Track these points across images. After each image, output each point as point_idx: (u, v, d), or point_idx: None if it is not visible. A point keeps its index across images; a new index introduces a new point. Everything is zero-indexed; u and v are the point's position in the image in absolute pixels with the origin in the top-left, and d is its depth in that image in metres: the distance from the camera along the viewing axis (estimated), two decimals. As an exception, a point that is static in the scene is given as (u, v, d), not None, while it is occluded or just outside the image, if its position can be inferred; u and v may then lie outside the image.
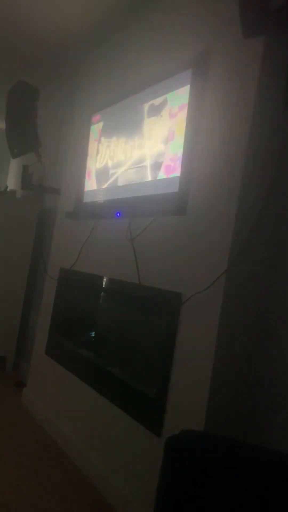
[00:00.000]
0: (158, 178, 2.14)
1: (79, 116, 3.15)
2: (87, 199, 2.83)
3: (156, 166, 2.16)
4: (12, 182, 5.01)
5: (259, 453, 1.26)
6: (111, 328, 2.53)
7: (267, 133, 1.74)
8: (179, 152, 2.00)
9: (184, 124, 1.99)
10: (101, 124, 2.77)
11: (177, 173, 2.00)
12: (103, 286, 2.52)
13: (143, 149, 2.28)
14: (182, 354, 1.81)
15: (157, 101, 2.21)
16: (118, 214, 2.40)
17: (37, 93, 3.25)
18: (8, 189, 4.11)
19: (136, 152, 2.34)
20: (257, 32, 1.53)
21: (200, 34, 2.05)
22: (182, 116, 2.02)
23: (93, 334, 2.70)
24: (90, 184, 2.79)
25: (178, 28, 2.23)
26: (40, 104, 3.26)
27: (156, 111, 2.22)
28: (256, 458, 1.23)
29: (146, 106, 2.30)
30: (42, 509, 1.94)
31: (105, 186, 2.61)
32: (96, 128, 2.82)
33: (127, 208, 2.34)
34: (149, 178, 2.20)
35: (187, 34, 2.14)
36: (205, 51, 1.98)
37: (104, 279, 2.49)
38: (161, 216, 2.09)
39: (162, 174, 2.11)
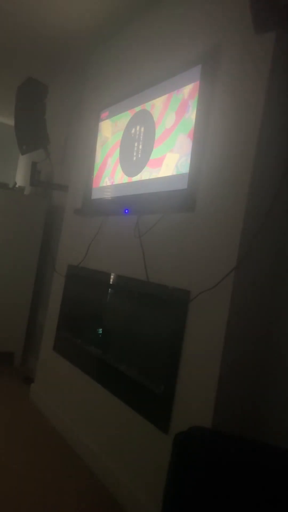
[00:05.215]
0: (167, 175, 2.13)
1: (88, 112, 3.15)
2: (95, 196, 2.83)
3: (165, 162, 2.15)
4: (20, 178, 5.03)
5: (267, 450, 1.26)
6: (118, 325, 2.53)
7: (278, 129, 1.72)
8: (189, 148, 1.99)
9: (193, 120, 1.98)
10: (109, 121, 2.76)
11: (186, 169, 1.99)
12: (111, 283, 2.52)
13: (151, 145, 2.28)
14: (190, 351, 1.81)
15: (165, 97, 2.20)
16: (127, 211, 2.40)
17: (46, 90, 3.25)
18: (16, 186, 4.13)
19: (145, 148, 2.33)
20: (268, 28, 1.51)
21: (210, 29, 2.03)
22: (191, 112, 2.01)
23: (100, 330, 2.71)
24: (98, 180, 2.79)
25: (188, 23, 2.22)
26: (48, 100, 3.26)
27: (164, 105, 2.21)
28: (265, 455, 1.22)
29: (154, 103, 2.29)
30: (48, 504, 1.95)
31: (113, 183, 2.61)
32: (106, 124, 2.82)
33: (136, 205, 2.34)
34: (158, 174, 2.20)
35: (197, 29, 2.13)
36: (215, 46, 1.97)
37: (112, 276, 2.49)
38: (169, 213, 2.08)
39: (170, 171, 2.10)
